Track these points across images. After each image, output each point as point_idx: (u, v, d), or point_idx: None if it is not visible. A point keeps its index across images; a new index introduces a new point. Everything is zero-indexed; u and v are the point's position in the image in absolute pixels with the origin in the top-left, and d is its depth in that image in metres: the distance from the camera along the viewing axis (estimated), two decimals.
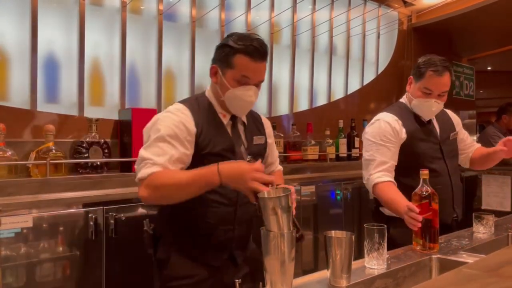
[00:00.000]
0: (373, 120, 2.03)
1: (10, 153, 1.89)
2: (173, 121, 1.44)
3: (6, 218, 1.69)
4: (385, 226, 1.39)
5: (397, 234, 1.92)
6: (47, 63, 2.24)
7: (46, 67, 2.23)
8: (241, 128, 1.61)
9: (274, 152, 1.81)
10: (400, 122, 1.97)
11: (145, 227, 1.59)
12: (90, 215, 1.88)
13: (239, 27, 3.05)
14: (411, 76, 2.03)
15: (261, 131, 1.69)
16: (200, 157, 1.46)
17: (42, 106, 2.18)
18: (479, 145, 2.27)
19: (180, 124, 1.44)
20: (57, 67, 2.28)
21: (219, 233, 1.52)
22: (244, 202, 1.53)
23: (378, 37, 4.06)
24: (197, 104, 1.53)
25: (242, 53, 1.45)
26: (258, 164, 1.29)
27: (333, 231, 1.25)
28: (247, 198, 1.45)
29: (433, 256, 1.52)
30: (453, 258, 1.51)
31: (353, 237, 1.23)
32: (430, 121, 2.06)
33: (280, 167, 1.85)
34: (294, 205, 1.30)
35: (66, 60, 2.30)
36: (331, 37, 3.64)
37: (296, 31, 3.39)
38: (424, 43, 4.33)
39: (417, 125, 2.01)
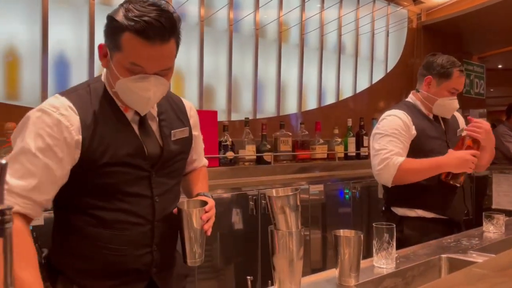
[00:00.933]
0: (382, 117, 2.03)
1: None
2: (46, 126, 1.04)
3: None
4: (394, 225, 1.38)
5: (410, 234, 1.92)
6: (57, 63, 2.26)
7: (56, 67, 2.26)
8: (153, 123, 1.21)
9: (199, 146, 1.40)
10: (409, 118, 1.97)
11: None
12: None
13: (247, 26, 3.05)
14: (430, 76, 2.02)
15: (183, 121, 1.29)
16: (94, 170, 1.09)
17: None
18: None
19: (55, 128, 1.05)
20: (67, 66, 2.30)
21: (131, 260, 1.16)
22: (163, 216, 1.20)
23: (387, 35, 4.03)
24: (89, 95, 1.12)
25: (131, 31, 1.01)
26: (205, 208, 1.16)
27: (341, 230, 1.25)
28: (169, 209, 1.21)
29: (443, 255, 1.51)
30: (462, 257, 1.50)
31: (361, 236, 1.23)
32: (437, 119, 2.06)
33: (204, 162, 1.46)
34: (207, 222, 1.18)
35: (76, 59, 2.32)
36: (339, 35, 3.63)
37: (304, 30, 3.38)
38: (434, 41, 4.30)
39: (426, 122, 2.02)
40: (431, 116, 2.06)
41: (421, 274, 1.44)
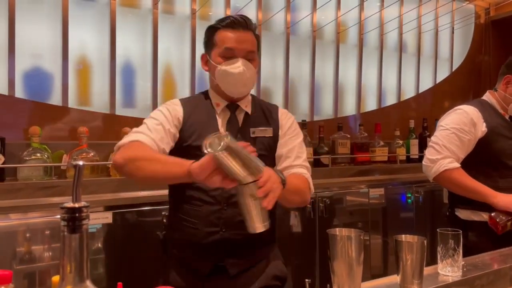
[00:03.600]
0: (451, 110, 1.97)
1: (92, 154, 2.05)
2: (163, 108, 1.41)
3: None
4: (461, 231, 1.32)
5: (475, 240, 1.83)
6: (124, 69, 2.39)
7: (123, 73, 2.39)
8: (240, 117, 1.45)
9: (293, 151, 1.45)
10: (480, 115, 1.88)
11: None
12: (163, 212, 1.97)
13: (304, 28, 3.05)
14: (510, 76, 1.93)
15: (269, 122, 1.46)
16: (183, 150, 1.36)
17: (120, 110, 2.34)
18: None
19: (169, 108, 1.40)
20: (133, 73, 2.43)
21: (203, 235, 1.35)
22: (233, 202, 1.31)
23: (452, 32, 3.85)
24: (194, 97, 1.53)
25: (222, 28, 1.40)
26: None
27: (403, 235, 1.21)
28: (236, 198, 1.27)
29: None
30: None
31: (425, 242, 1.18)
32: None
33: (303, 172, 1.44)
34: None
35: (141, 67, 2.44)
36: (400, 34, 3.51)
37: (363, 30, 3.31)
38: (504, 36, 4.03)
39: (500, 120, 1.91)
40: (507, 117, 1.95)
41: (490, 283, 1.36)
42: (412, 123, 3.30)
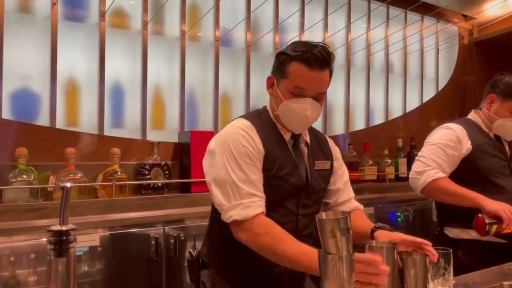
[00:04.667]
0: (438, 127, 2.01)
1: (80, 175, 2.02)
2: (245, 139, 1.30)
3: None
4: (451, 250, 1.32)
5: (464, 258, 1.83)
6: (113, 91, 2.39)
7: (112, 95, 2.38)
8: (304, 148, 1.42)
9: (348, 184, 1.52)
10: (465, 132, 1.91)
11: (188, 249, 1.51)
12: (152, 234, 1.95)
13: None
14: (494, 95, 1.97)
15: (326, 154, 1.47)
16: (264, 180, 1.30)
17: (109, 131, 2.32)
18: None
19: (251, 142, 1.30)
20: (122, 94, 2.42)
21: (269, 265, 1.27)
22: (304, 234, 1.36)
23: (437, 53, 3.93)
24: (260, 120, 1.38)
25: (298, 60, 1.29)
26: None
27: (406, 251, 1.23)
28: (308, 229, 1.37)
29: (505, 283, 1.42)
30: None
31: (427, 259, 1.20)
32: (499, 139, 1.98)
33: (359, 205, 1.52)
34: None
35: (130, 87, 2.44)
36: (387, 55, 3.58)
37: (351, 51, 3.37)
38: (488, 57, 4.13)
39: (485, 139, 1.94)
40: (491, 135, 1.98)
41: None
42: (400, 142, 3.33)
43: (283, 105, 1.33)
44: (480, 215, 1.75)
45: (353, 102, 3.41)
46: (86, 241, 1.82)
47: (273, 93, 1.38)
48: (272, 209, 1.30)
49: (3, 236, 1.69)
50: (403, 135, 3.44)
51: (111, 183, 2.02)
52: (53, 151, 2.09)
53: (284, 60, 1.33)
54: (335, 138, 3.20)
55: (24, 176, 1.90)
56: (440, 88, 3.95)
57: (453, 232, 1.93)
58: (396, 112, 3.67)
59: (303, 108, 1.31)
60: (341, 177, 1.50)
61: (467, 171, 1.88)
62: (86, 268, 1.81)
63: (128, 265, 1.91)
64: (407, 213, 2.98)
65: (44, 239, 1.73)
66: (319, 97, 1.34)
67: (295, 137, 1.40)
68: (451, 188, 1.82)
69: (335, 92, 3.32)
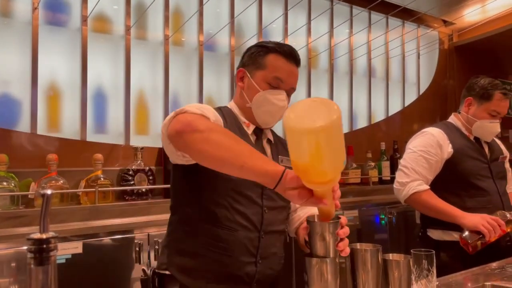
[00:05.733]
0: (418, 132, 2.03)
1: (62, 181, 1.99)
2: (207, 107, 1.18)
3: (58, 245, 1.76)
4: (433, 251, 1.34)
5: (447, 259, 1.86)
6: (96, 96, 2.36)
7: (95, 100, 2.35)
8: (266, 145, 1.38)
9: None
10: (446, 136, 1.94)
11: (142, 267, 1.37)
12: (136, 240, 1.93)
13: None
14: (471, 98, 2.01)
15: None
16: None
17: (92, 137, 2.29)
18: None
19: (215, 113, 1.20)
20: (105, 99, 2.40)
21: (236, 265, 1.22)
22: (270, 230, 1.29)
23: (418, 57, 4.00)
24: (221, 112, 1.32)
25: (277, 52, 1.31)
26: None
27: (390, 254, 1.25)
28: (275, 226, 1.29)
29: (487, 283, 1.45)
30: (508, 285, 1.43)
31: (410, 260, 1.22)
32: (479, 141, 2.02)
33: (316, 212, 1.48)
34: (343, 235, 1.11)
35: (113, 92, 2.41)
36: (369, 59, 3.63)
37: (333, 56, 3.40)
38: (468, 61, 4.22)
39: (465, 142, 1.98)
40: (471, 138, 2.02)
41: None
42: (383, 145, 3.37)
43: (260, 95, 1.30)
44: (463, 235, 1.78)
45: None
46: (68, 248, 1.79)
47: (244, 86, 1.35)
48: (234, 197, 1.22)
49: None
50: (386, 138, 3.48)
51: (94, 189, 1.99)
52: (34, 157, 2.06)
53: (260, 52, 1.33)
54: None
55: (4, 183, 1.86)
56: (421, 91, 4.01)
57: (436, 234, 1.96)
58: (379, 115, 3.72)
59: (280, 99, 1.31)
60: None
61: (449, 174, 1.91)
62: (69, 277, 1.77)
63: (112, 272, 1.88)
64: (391, 216, 3.01)
65: (25, 247, 1.70)
66: (291, 92, 1.36)
67: (258, 134, 1.36)
68: (432, 203, 1.86)
69: (318, 96, 3.34)
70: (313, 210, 1.41)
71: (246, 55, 1.38)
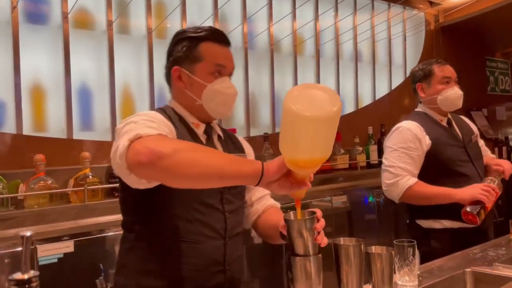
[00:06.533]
0: (393, 129, 2.04)
1: (50, 181, 2.00)
2: (156, 118, 1.11)
3: (49, 245, 1.78)
4: (415, 242, 1.38)
5: (438, 247, 1.90)
6: (80, 93, 2.35)
7: (79, 97, 2.34)
8: (217, 143, 1.32)
9: None
10: (422, 128, 1.97)
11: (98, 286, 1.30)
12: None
13: (262, 41, 3.09)
14: (419, 83, 2.07)
15: (239, 148, 1.40)
16: None
17: (78, 134, 2.29)
18: (491, 155, 2.25)
19: (161, 119, 1.14)
20: (90, 96, 2.39)
21: (205, 277, 1.17)
22: (233, 234, 1.25)
23: (405, 39, 4.00)
24: (166, 115, 1.22)
25: (207, 39, 1.23)
26: None
27: (373, 247, 1.27)
28: (237, 229, 1.27)
29: (467, 270, 1.49)
30: (488, 270, 1.48)
31: (393, 253, 1.26)
32: (451, 125, 2.05)
33: (275, 203, 1.44)
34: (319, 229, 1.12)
35: (98, 89, 2.40)
36: (355, 44, 3.62)
37: (320, 41, 3.39)
38: (454, 41, 4.23)
39: (440, 130, 2.01)
40: (444, 123, 2.04)
41: None
42: (370, 130, 3.40)
43: (208, 90, 1.23)
44: (465, 210, 1.81)
45: None
46: (60, 248, 1.81)
47: (185, 85, 1.25)
48: (196, 208, 1.17)
49: None
50: (374, 122, 3.50)
51: (83, 188, 2.00)
52: (21, 158, 2.06)
53: (191, 44, 1.24)
54: None
55: None
56: (408, 74, 4.03)
57: (425, 223, 1.99)
58: (366, 100, 3.73)
59: (228, 86, 1.26)
60: None
61: (431, 165, 1.94)
62: (61, 276, 1.80)
63: (105, 269, 1.91)
64: (378, 199, 3.06)
65: (19, 248, 1.72)
66: (231, 75, 1.30)
67: (208, 131, 1.30)
68: (426, 191, 1.88)
69: (305, 82, 3.34)
70: (270, 202, 1.43)
71: (175, 51, 1.26)
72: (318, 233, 1.12)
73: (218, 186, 1.05)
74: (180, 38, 1.26)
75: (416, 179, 1.91)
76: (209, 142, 1.29)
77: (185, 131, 1.23)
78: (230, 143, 1.38)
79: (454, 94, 2.00)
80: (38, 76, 2.22)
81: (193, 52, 1.23)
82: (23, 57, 2.14)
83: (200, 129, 1.28)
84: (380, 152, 3.37)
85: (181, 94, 1.27)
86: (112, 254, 1.92)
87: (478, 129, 2.27)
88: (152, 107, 2.56)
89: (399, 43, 3.98)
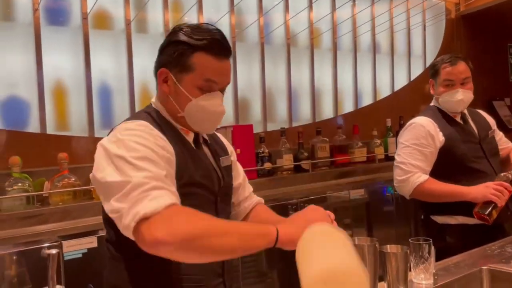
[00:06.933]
0: (407, 124, 2.03)
1: (73, 179, 2.07)
2: (147, 139, 1.03)
3: (74, 241, 1.85)
4: (431, 240, 1.38)
5: (453, 242, 1.90)
6: (100, 92, 2.41)
7: (100, 95, 2.40)
8: (205, 148, 1.25)
9: (241, 173, 1.37)
10: (436, 125, 1.95)
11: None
12: None
13: (278, 36, 3.09)
14: (431, 80, 2.05)
15: (223, 149, 1.33)
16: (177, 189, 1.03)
17: (99, 132, 2.36)
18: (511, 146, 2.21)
19: (158, 140, 1.05)
20: (110, 94, 2.44)
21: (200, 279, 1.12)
22: None
23: (424, 29, 3.93)
24: (154, 120, 1.13)
25: (203, 50, 1.10)
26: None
27: (388, 246, 1.28)
28: None
29: (484, 267, 1.49)
30: (505, 268, 1.46)
31: (408, 252, 1.27)
32: (466, 121, 2.03)
33: (260, 199, 1.41)
34: None
35: (117, 87, 2.45)
36: (373, 35, 3.58)
37: (336, 34, 3.37)
38: (475, 30, 4.13)
39: (455, 126, 1.99)
40: (458, 118, 2.02)
41: (462, 287, 1.43)
42: (389, 122, 3.37)
43: (193, 105, 1.13)
44: (476, 210, 1.81)
45: (341, 85, 3.43)
46: (84, 243, 1.87)
47: (170, 91, 1.15)
48: None
49: (3, 244, 1.74)
50: (392, 114, 3.46)
51: None
52: (45, 156, 2.13)
53: (183, 51, 1.11)
54: (324, 123, 3.24)
55: (20, 184, 1.94)
56: (427, 64, 3.97)
57: (440, 219, 1.99)
58: (384, 91, 3.70)
59: (216, 104, 1.15)
60: (239, 172, 1.37)
61: (445, 162, 1.93)
62: (86, 270, 1.87)
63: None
64: (397, 192, 3.04)
65: (46, 244, 1.79)
66: (224, 89, 1.19)
67: (195, 137, 1.22)
68: (437, 189, 1.88)
69: (322, 76, 3.33)
70: (256, 199, 1.40)
71: (166, 52, 1.15)
72: None
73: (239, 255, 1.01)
74: (175, 40, 1.13)
75: (427, 176, 1.90)
76: (199, 149, 1.21)
77: (176, 138, 1.15)
78: (216, 145, 1.31)
79: (454, 98, 1.96)
80: (60, 76, 2.28)
81: (185, 60, 1.11)
82: (45, 57, 2.21)
83: (189, 136, 1.20)
84: None
85: (165, 98, 1.17)
86: None
87: (500, 120, 2.24)
88: None
89: (418, 33, 3.91)
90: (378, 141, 3.27)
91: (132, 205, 0.92)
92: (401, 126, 3.40)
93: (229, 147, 1.38)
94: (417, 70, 3.90)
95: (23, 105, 2.18)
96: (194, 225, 0.92)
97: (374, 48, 3.61)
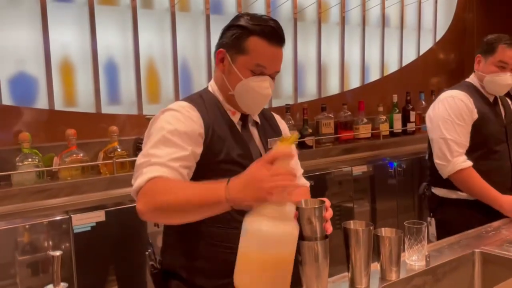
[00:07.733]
0: (442, 97, 2.02)
1: (81, 155, 2.12)
2: (178, 118, 1.20)
3: (82, 214, 1.93)
4: (425, 224, 1.42)
5: (452, 217, 1.94)
6: (107, 68, 2.42)
7: (106, 72, 2.42)
8: (253, 129, 1.35)
9: (297, 160, 1.43)
10: (472, 100, 1.96)
11: (149, 261, 1.36)
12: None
13: (286, 9, 3.05)
14: (479, 55, 2.02)
15: (276, 131, 1.41)
16: (212, 166, 1.21)
17: (106, 108, 2.39)
18: None
19: (187, 120, 1.20)
20: (116, 70, 2.46)
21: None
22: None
23: (436, 2, 3.84)
24: (203, 101, 1.28)
25: (258, 35, 1.21)
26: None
27: (383, 229, 1.32)
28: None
29: (476, 250, 1.52)
30: (497, 252, 1.50)
31: (402, 235, 1.31)
32: (497, 103, 2.03)
33: (306, 183, 1.51)
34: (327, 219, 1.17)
35: (123, 63, 2.46)
36: (383, 8, 3.51)
37: (345, 8, 3.31)
38: (488, 4, 4.02)
39: (486, 105, 2.00)
40: (491, 99, 2.03)
41: (453, 270, 1.46)
42: (395, 98, 3.36)
43: (243, 84, 1.24)
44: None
45: (348, 60, 3.40)
46: (92, 217, 1.95)
47: (224, 70, 1.28)
48: None
49: (15, 218, 1.82)
50: (400, 90, 3.45)
51: (111, 161, 2.12)
52: (54, 132, 2.18)
53: (241, 34, 1.23)
54: (329, 99, 3.24)
55: (29, 160, 2.01)
56: (437, 39, 3.90)
57: (441, 191, 2.03)
58: (392, 67, 3.66)
59: (264, 86, 1.24)
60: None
61: (472, 139, 1.94)
62: (94, 243, 1.95)
63: (134, 236, 2.05)
64: (400, 169, 3.08)
65: (58, 217, 1.87)
66: (274, 75, 1.29)
67: (244, 118, 1.32)
68: (473, 183, 1.89)
69: (329, 51, 3.30)
70: (301, 181, 1.47)
71: (226, 35, 1.27)
72: (326, 221, 1.18)
73: (200, 218, 1.10)
74: (235, 24, 1.26)
75: (470, 163, 1.89)
76: (245, 130, 1.31)
77: (220, 118, 1.27)
78: (268, 127, 1.39)
79: (502, 81, 1.95)
80: (66, 52, 2.30)
81: (241, 43, 1.23)
82: (52, 33, 2.22)
83: (236, 117, 1.30)
84: (405, 121, 3.36)
85: (220, 77, 1.30)
86: (140, 223, 2.05)
87: None
88: (175, 81, 2.62)
89: (429, 6, 3.82)
90: (384, 117, 3.27)
91: (134, 183, 1.14)
92: (407, 102, 3.39)
93: (284, 129, 1.46)
94: (427, 45, 3.84)
95: (31, 81, 2.21)
96: (164, 192, 1.07)
97: (383, 21, 3.54)
